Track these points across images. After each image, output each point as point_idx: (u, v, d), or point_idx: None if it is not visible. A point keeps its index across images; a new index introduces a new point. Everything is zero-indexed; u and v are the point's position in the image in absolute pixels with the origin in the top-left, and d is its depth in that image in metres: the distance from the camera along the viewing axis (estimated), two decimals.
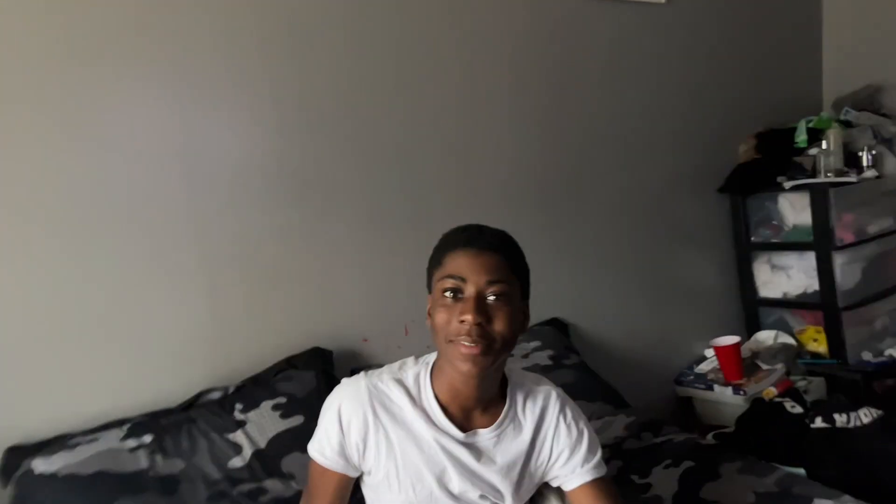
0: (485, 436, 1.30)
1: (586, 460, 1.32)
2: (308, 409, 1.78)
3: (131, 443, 1.62)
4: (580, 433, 1.33)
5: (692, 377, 2.72)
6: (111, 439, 1.61)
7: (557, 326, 2.43)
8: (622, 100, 2.64)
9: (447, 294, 1.20)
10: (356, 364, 2.06)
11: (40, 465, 1.53)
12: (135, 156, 1.78)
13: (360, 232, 2.11)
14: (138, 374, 1.79)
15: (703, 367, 2.76)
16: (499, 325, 1.19)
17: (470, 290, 1.19)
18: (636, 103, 2.67)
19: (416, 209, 2.19)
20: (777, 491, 1.65)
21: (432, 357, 1.32)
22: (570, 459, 1.31)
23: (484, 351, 1.17)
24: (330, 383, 1.88)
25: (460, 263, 1.20)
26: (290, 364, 1.90)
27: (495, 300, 1.19)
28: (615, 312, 2.65)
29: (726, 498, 1.65)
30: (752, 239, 2.86)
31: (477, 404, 1.29)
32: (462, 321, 1.17)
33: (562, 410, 1.33)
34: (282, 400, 1.79)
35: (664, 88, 2.75)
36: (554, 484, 1.35)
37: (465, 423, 1.29)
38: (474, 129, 2.31)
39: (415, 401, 1.28)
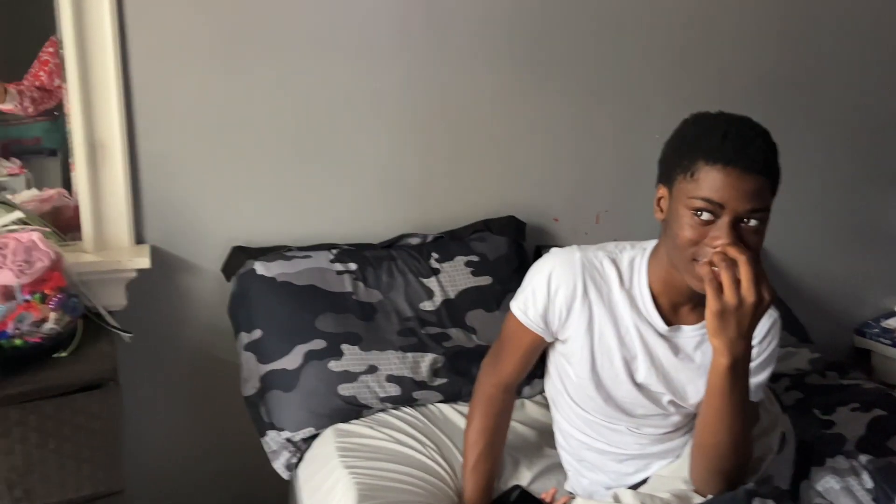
0: (688, 332, 1.27)
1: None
2: (496, 272, 1.82)
3: (339, 266, 1.72)
4: (770, 356, 1.27)
5: (877, 330, 2.54)
6: (321, 259, 1.72)
7: None
8: None
9: (698, 215, 1.10)
10: (542, 241, 2.07)
11: (261, 267, 1.67)
12: None
13: (574, 107, 2.04)
14: (349, 208, 1.88)
15: (892, 323, 2.56)
16: (752, 249, 1.11)
17: (726, 217, 1.09)
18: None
19: (624, 97, 2.08)
20: None
21: (650, 244, 1.29)
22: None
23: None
24: (520, 252, 1.92)
25: (718, 185, 1.08)
26: (486, 226, 1.93)
27: (751, 225, 1.10)
28: (811, 245, 2.47)
29: None
30: None
31: (689, 301, 1.26)
32: (716, 245, 1.09)
33: (771, 328, 1.27)
34: (474, 258, 1.84)
35: None
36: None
37: (671, 316, 1.27)
38: (711, 27, 2.14)
39: (623, 283, 1.27)
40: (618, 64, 2.07)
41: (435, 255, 1.82)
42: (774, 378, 1.87)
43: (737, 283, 1.07)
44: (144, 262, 1.62)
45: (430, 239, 1.87)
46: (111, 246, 1.64)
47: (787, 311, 2.14)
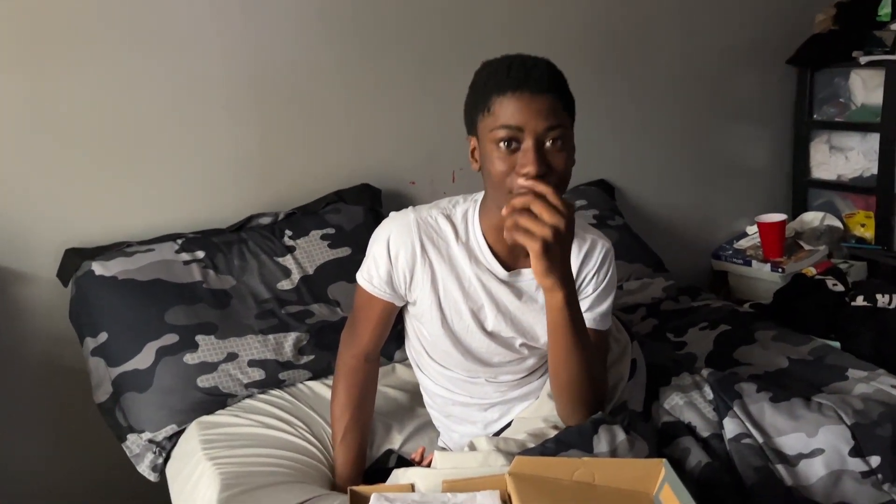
0: (528, 275, 1.30)
1: (591, 308, 1.29)
2: (355, 242, 1.80)
3: (185, 256, 1.66)
4: (609, 283, 1.31)
5: (730, 252, 2.71)
6: (166, 251, 1.65)
7: (604, 188, 2.40)
8: None
9: (502, 145, 1.13)
10: (402, 205, 2.05)
11: (99, 268, 1.58)
12: None
13: (413, 74, 2.05)
14: (191, 193, 1.81)
15: (743, 244, 2.74)
16: (559, 169, 1.14)
17: (528, 140, 1.12)
18: None
19: (467, 55, 2.08)
20: (811, 359, 1.67)
21: (480, 195, 1.31)
22: (587, 307, 1.29)
23: None
24: (377, 220, 1.89)
25: (513, 110, 1.12)
26: (339, 197, 1.91)
27: (553, 144, 1.13)
28: (663, 180, 2.61)
29: (759, 361, 1.68)
30: (815, 117, 2.75)
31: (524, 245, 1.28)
32: (524, 174, 1.11)
33: (604, 260, 1.30)
34: (330, 231, 1.81)
35: None
36: None
37: (510, 261, 1.29)
38: None
39: (460, 237, 1.29)
40: (455, 26, 2.09)
41: (288, 233, 1.79)
42: (631, 308, 1.97)
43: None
44: None
45: (281, 217, 1.83)
46: None
47: (640, 244, 2.25)
